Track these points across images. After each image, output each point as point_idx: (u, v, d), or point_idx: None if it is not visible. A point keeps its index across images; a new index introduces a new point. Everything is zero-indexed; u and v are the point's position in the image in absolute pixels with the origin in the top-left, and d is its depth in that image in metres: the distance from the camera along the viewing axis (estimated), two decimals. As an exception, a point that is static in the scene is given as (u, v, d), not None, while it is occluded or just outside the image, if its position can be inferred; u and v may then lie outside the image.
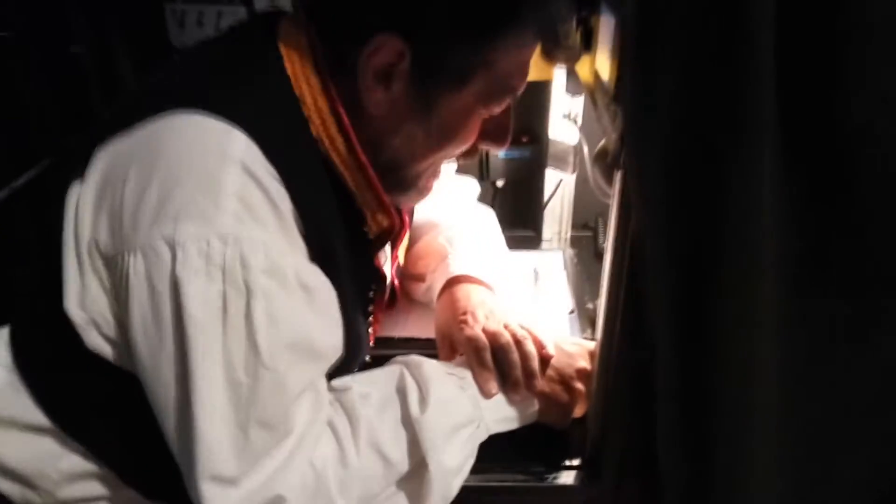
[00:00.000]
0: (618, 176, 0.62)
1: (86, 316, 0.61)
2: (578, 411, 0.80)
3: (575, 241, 1.25)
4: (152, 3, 1.32)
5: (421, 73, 0.65)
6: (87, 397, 0.67)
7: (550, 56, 0.69)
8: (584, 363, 0.80)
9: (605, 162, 0.85)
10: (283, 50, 0.65)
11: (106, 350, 0.63)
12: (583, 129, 1.11)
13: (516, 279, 1.07)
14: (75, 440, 0.68)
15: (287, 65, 0.64)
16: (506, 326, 0.80)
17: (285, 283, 0.60)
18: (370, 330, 0.84)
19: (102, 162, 0.61)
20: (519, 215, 1.22)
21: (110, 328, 0.62)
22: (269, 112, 0.62)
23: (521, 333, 0.79)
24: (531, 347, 0.78)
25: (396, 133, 0.69)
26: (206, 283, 0.56)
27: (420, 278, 0.99)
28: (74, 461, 0.69)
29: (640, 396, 0.63)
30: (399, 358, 0.77)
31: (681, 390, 0.54)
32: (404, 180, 0.74)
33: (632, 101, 0.53)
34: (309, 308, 0.63)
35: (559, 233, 1.25)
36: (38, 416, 0.67)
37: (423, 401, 0.71)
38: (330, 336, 0.67)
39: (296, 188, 0.61)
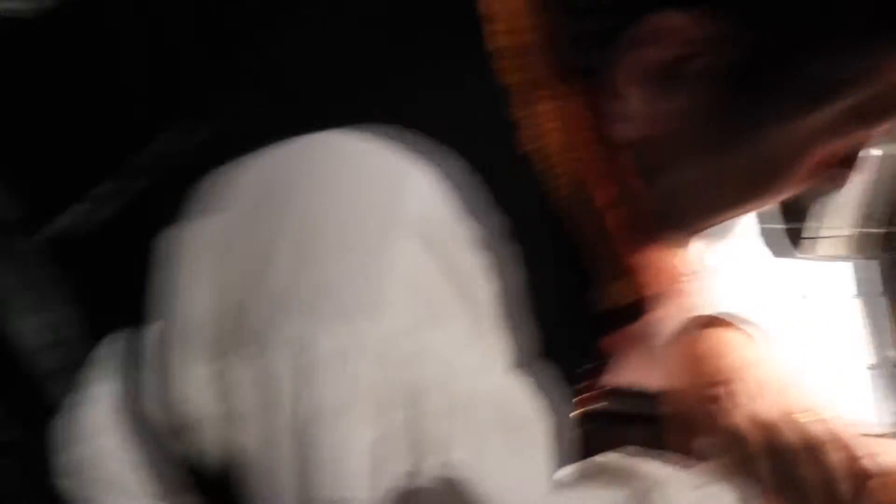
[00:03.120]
0: None
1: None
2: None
3: (861, 244, 0.91)
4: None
5: (739, 81, 0.43)
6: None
7: None
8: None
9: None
10: (485, 12, 0.45)
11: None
12: None
13: (782, 306, 0.77)
14: None
15: (490, 37, 0.44)
16: (790, 415, 0.56)
17: (476, 421, 0.41)
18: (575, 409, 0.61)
19: (210, 199, 0.42)
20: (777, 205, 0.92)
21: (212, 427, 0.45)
22: (467, 120, 0.44)
23: (818, 431, 0.54)
24: (837, 457, 0.53)
25: (667, 170, 0.47)
26: (356, 424, 0.38)
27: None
28: None
29: None
30: (618, 464, 0.53)
31: None
32: (671, 236, 0.53)
33: None
34: (509, 454, 0.43)
35: (839, 230, 0.92)
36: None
37: None
38: (536, 486, 0.47)
39: (497, 252, 0.43)
